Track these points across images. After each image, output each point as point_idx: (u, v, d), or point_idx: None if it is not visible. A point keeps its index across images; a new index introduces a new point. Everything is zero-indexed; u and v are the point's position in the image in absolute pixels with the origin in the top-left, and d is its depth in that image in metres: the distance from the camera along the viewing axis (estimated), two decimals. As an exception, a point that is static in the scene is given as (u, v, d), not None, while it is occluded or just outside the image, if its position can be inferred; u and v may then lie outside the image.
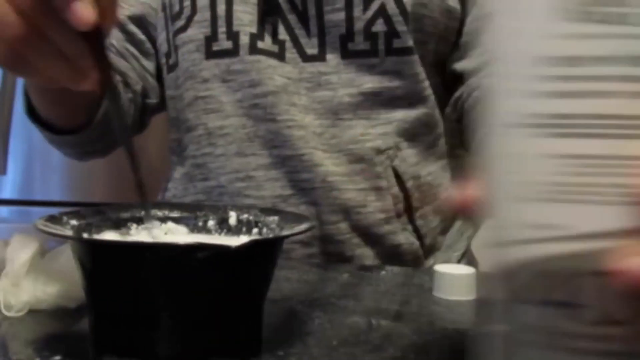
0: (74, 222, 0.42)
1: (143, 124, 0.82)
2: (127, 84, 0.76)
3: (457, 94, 0.73)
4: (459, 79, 0.73)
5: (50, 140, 0.72)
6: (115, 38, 0.76)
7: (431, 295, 0.54)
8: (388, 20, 0.67)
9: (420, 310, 0.50)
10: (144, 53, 0.78)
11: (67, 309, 0.46)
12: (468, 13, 0.72)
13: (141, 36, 0.77)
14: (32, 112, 0.68)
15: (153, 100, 0.80)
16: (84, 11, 0.40)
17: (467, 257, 0.79)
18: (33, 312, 0.45)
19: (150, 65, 0.79)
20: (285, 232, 0.42)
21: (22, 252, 0.46)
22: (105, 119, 0.68)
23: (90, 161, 0.82)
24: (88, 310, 0.40)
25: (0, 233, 0.62)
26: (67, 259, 0.48)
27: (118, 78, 0.74)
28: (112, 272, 0.38)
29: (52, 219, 0.41)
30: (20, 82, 1.38)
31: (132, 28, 0.77)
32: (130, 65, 0.77)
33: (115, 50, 0.76)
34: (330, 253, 0.69)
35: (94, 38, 0.42)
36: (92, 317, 0.40)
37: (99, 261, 0.38)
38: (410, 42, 0.68)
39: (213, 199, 0.71)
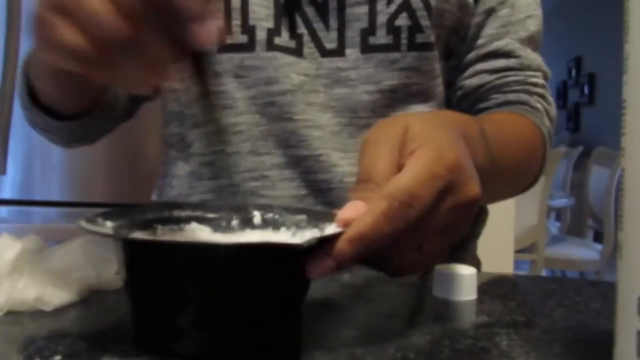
0: (108, 223, 0.41)
1: (131, 112, 0.81)
2: None
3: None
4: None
5: (45, 126, 0.70)
6: None
7: (431, 295, 0.54)
8: (412, 14, 0.66)
9: (420, 310, 0.50)
10: None
11: (67, 309, 0.46)
12: (485, 8, 0.72)
13: None
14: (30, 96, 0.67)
15: None
16: (213, 33, 0.37)
17: (474, 258, 0.79)
18: (33, 312, 0.45)
19: None
20: (330, 230, 0.41)
21: (4, 253, 0.46)
22: (106, 104, 0.68)
23: (90, 161, 0.82)
24: (133, 310, 0.39)
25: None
26: (58, 261, 0.48)
27: None
28: (172, 272, 0.37)
29: (89, 221, 0.40)
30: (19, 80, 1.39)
31: None
32: None
33: None
34: None
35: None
36: (142, 316, 0.39)
37: (157, 262, 0.37)
38: (432, 38, 0.67)
39: (223, 198, 0.70)
